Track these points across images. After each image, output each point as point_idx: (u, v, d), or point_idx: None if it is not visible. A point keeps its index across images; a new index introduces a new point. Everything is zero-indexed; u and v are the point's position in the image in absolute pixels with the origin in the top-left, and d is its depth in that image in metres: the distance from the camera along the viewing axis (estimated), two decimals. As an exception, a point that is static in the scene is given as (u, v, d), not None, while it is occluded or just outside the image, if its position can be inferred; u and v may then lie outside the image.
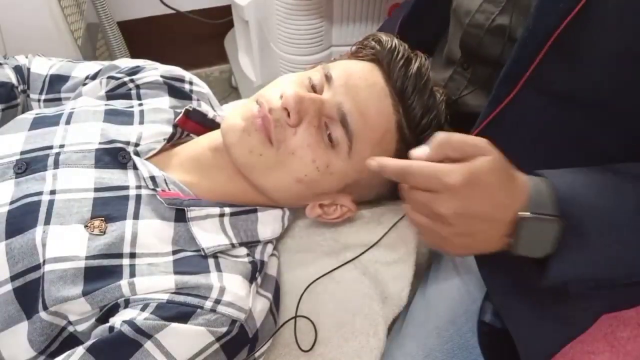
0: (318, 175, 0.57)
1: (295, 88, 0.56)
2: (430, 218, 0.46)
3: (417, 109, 0.59)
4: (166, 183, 0.58)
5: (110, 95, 0.71)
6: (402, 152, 0.59)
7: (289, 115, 0.55)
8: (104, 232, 0.53)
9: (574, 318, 0.60)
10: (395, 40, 0.62)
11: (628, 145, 0.52)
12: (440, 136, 0.45)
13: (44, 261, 0.50)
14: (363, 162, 0.55)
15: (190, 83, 0.75)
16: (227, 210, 0.59)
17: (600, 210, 0.46)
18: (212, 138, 0.63)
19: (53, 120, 0.63)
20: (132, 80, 0.71)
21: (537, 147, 0.55)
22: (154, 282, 0.50)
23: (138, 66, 0.74)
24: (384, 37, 0.62)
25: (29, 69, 0.76)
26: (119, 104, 0.68)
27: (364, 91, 0.58)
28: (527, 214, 0.45)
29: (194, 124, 0.68)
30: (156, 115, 0.67)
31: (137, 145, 0.62)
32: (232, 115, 0.58)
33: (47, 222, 0.52)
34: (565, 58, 0.48)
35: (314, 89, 0.59)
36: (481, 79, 0.65)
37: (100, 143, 0.60)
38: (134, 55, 1.27)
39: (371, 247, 0.67)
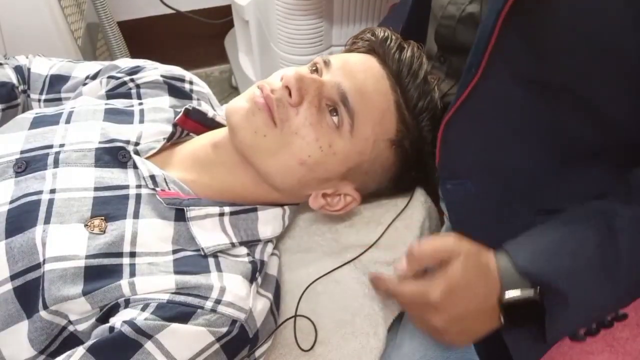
0: (321, 156, 0.57)
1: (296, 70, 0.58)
2: (428, 328, 0.54)
3: (413, 90, 0.60)
4: (166, 182, 0.58)
5: (110, 94, 0.71)
6: (402, 134, 0.61)
7: (290, 94, 0.56)
8: (104, 231, 0.53)
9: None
10: (388, 31, 0.64)
11: (596, 129, 0.54)
12: (412, 251, 0.53)
13: (44, 260, 0.50)
14: (365, 142, 0.59)
15: (191, 83, 0.75)
16: (227, 209, 0.59)
17: (568, 270, 0.51)
18: (213, 135, 0.64)
19: (53, 120, 0.63)
20: (132, 80, 0.71)
21: (507, 130, 0.56)
22: (154, 281, 0.50)
23: (138, 66, 0.74)
24: (377, 29, 0.64)
25: (29, 69, 0.76)
26: (119, 103, 0.68)
27: (362, 74, 0.59)
28: (506, 296, 0.51)
29: (194, 123, 0.68)
30: (156, 115, 0.67)
31: (137, 144, 0.62)
32: (235, 99, 0.59)
33: (47, 221, 0.52)
34: (521, 41, 0.49)
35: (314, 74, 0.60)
36: (457, 70, 0.67)
37: (100, 142, 0.60)
38: (134, 55, 1.26)
39: (370, 246, 0.67)
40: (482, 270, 0.52)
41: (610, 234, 0.50)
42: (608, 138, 0.55)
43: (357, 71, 0.59)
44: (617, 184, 0.55)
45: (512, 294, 0.51)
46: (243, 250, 0.58)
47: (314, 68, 0.61)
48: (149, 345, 0.46)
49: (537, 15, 0.47)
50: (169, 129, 0.65)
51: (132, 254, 0.52)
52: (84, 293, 0.49)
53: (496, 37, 0.48)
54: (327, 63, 0.60)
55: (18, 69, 0.76)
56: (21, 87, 0.75)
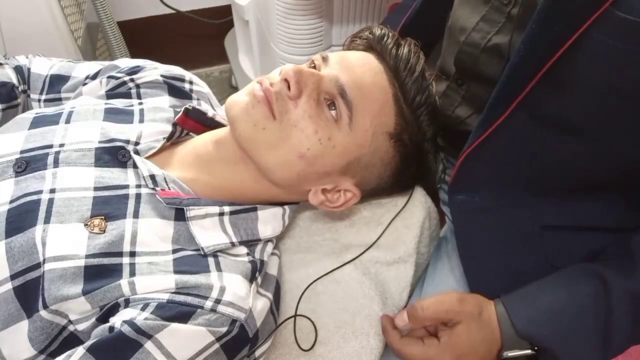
0: (320, 149, 0.57)
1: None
2: None
3: (410, 84, 0.61)
4: (166, 182, 0.58)
5: (110, 94, 0.71)
6: (401, 128, 0.61)
7: (289, 88, 0.56)
8: (104, 231, 0.53)
9: None
10: (385, 29, 0.64)
11: (616, 174, 0.56)
12: (414, 312, 0.56)
13: (43, 260, 0.50)
14: (364, 135, 0.59)
15: (190, 82, 0.75)
16: (227, 208, 0.59)
17: (565, 337, 0.54)
18: (214, 132, 0.64)
19: (53, 120, 0.63)
20: (132, 80, 0.71)
21: (527, 169, 0.58)
22: (154, 281, 0.50)
23: (138, 66, 0.74)
24: (375, 27, 0.65)
25: (29, 69, 0.76)
26: (119, 103, 0.68)
27: (360, 67, 0.60)
28: (506, 355, 0.56)
29: (194, 122, 0.68)
30: (156, 114, 0.67)
31: (137, 144, 0.62)
32: (236, 94, 0.60)
33: (47, 220, 0.52)
34: (554, 87, 0.50)
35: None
36: (477, 97, 0.66)
37: (100, 142, 0.60)
38: (134, 55, 1.26)
39: (370, 246, 0.67)
40: (484, 331, 0.56)
41: (607, 304, 0.53)
42: (622, 174, 0.56)
43: (355, 65, 0.60)
44: (619, 249, 0.57)
45: (512, 354, 0.56)
46: (243, 249, 0.58)
47: (312, 65, 0.61)
48: (148, 345, 0.46)
49: (572, 65, 0.48)
50: (168, 128, 0.65)
51: (132, 254, 0.52)
52: (84, 293, 0.49)
53: (532, 85, 0.49)
54: (325, 59, 0.61)
55: (18, 69, 0.76)
56: (21, 87, 0.75)
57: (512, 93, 0.51)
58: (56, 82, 0.76)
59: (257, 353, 0.56)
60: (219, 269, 0.54)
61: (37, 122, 0.63)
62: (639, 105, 0.48)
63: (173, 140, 0.66)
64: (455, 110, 0.69)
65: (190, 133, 0.69)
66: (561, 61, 0.47)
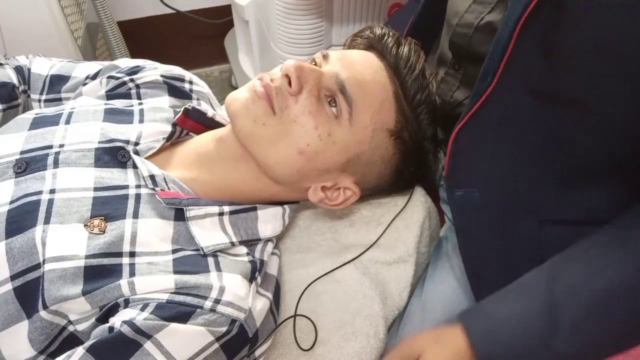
0: (320, 145, 0.57)
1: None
2: None
3: (411, 82, 0.61)
4: (165, 182, 0.58)
5: (110, 94, 0.71)
6: (401, 125, 0.61)
7: (289, 84, 0.57)
8: (104, 231, 0.53)
9: None
10: (386, 29, 0.65)
11: (605, 143, 0.54)
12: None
13: (43, 260, 0.50)
14: (364, 131, 0.59)
15: (190, 82, 0.75)
16: (226, 208, 0.59)
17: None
18: (214, 132, 0.64)
19: (53, 120, 0.63)
20: (132, 80, 0.71)
21: (517, 140, 0.56)
22: (154, 281, 0.50)
23: (138, 66, 0.74)
24: (375, 27, 0.66)
25: (29, 69, 0.76)
26: (119, 103, 0.68)
27: (360, 65, 0.60)
28: None
29: (193, 122, 0.68)
30: (156, 114, 0.67)
31: (136, 144, 0.62)
32: (237, 90, 0.60)
33: (47, 221, 0.52)
34: (537, 52, 0.49)
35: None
36: (474, 78, 0.66)
37: (99, 142, 0.60)
38: (134, 55, 1.26)
39: (370, 246, 0.67)
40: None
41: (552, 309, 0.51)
42: (617, 153, 0.55)
43: (355, 62, 0.60)
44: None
45: None
46: (243, 249, 0.58)
47: (313, 63, 0.62)
48: (148, 345, 0.46)
49: (554, 25, 0.47)
50: (168, 128, 0.65)
51: (132, 254, 0.52)
52: (84, 293, 0.49)
53: (512, 47, 0.48)
54: (325, 57, 0.61)
55: (18, 69, 0.76)
56: (21, 88, 0.75)
57: (496, 63, 0.50)
58: (56, 82, 0.76)
59: (257, 353, 0.56)
60: (218, 269, 0.54)
61: (37, 123, 0.63)
62: (630, 70, 0.46)
63: (173, 140, 0.66)
64: (453, 95, 0.69)
65: (190, 133, 0.69)
66: (538, 20, 0.46)
